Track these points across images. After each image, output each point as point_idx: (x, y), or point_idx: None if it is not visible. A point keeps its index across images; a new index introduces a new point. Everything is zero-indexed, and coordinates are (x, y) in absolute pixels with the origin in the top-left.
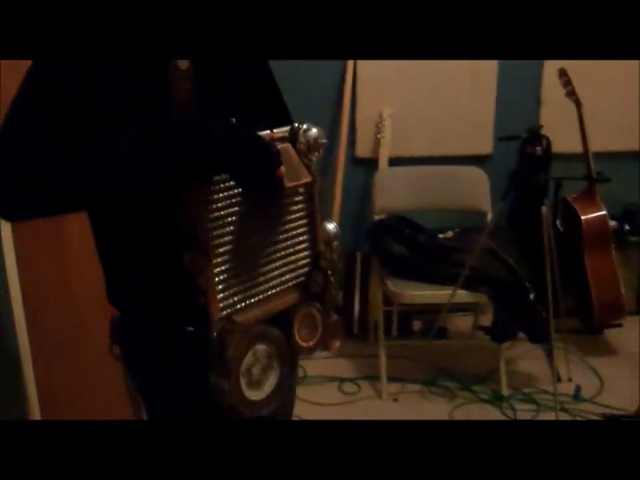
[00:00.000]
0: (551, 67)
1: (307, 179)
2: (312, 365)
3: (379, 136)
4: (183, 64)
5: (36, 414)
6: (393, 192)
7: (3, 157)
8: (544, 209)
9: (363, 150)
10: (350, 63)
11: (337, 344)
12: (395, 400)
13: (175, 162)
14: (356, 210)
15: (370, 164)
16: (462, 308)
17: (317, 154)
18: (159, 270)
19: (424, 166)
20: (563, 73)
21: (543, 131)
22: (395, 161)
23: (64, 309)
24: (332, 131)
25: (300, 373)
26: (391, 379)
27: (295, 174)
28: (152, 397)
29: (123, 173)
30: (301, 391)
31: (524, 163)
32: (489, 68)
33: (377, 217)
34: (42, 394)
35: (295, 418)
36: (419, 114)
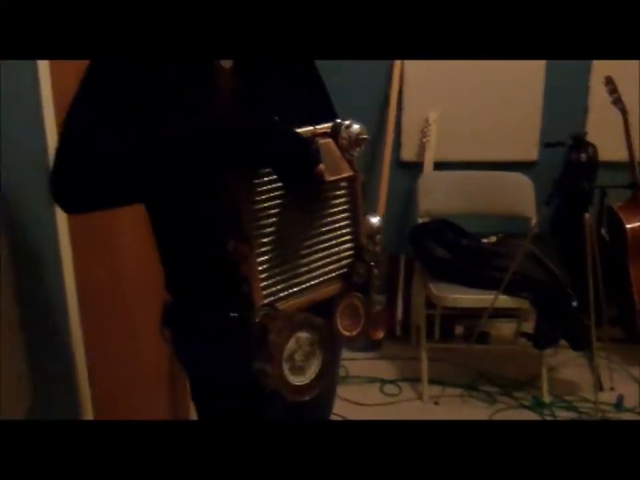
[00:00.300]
0: (597, 74)
1: (347, 173)
2: (354, 366)
3: (424, 140)
4: (226, 63)
5: (89, 413)
6: (437, 195)
7: (69, 151)
8: (587, 216)
9: (408, 153)
10: (397, 66)
11: (380, 334)
12: (436, 403)
13: (211, 156)
14: (400, 213)
15: (415, 167)
16: (505, 314)
17: (358, 149)
18: (208, 258)
19: (468, 171)
20: (609, 81)
21: (589, 139)
22: (440, 165)
23: (114, 302)
24: (378, 134)
25: (342, 372)
26: (432, 381)
27: (335, 168)
28: (198, 379)
29: (170, 163)
30: (342, 391)
31: (568, 169)
32: (535, 74)
33: (420, 220)
34: (94, 392)
35: (336, 417)
36: (465, 119)
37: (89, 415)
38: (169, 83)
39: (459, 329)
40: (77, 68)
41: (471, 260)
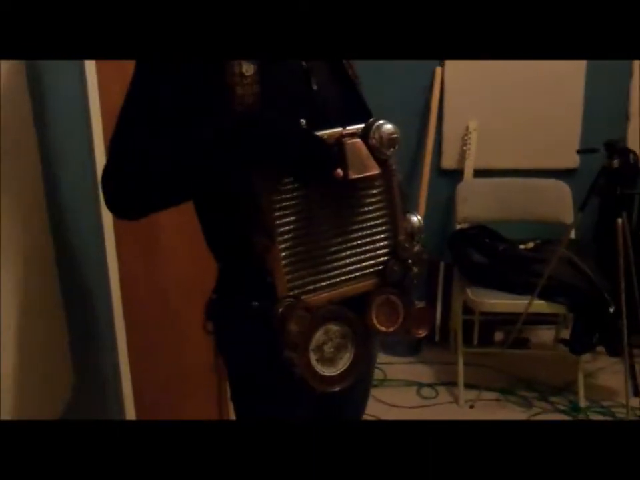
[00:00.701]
0: (638, 80)
1: (374, 171)
2: (392, 369)
3: (464, 148)
4: (249, 69)
5: (131, 413)
6: (476, 202)
7: (124, 158)
8: (619, 221)
9: (449, 161)
10: (438, 75)
11: (423, 332)
12: (472, 406)
13: (231, 158)
14: (441, 220)
15: (456, 175)
16: (544, 320)
17: (392, 149)
18: (240, 253)
19: (506, 178)
20: None
21: (631, 145)
22: (480, 173)
23: (157, 301)
24: (418, 142)
25: (380, 375)
26: (468, 386)
27: (361, 166)
28: (235, 371)
29: (198, 165)
30: (379, 393)
31: (601, 175)
32: (575, 81)
33: (459, 226)
34: (136, 392)
35: (371, 418)
36: (505, 127)
37: (131, 415)
38: (197, 89)
39: (498, 335)
40: (122, 72)
41: (508, 265)
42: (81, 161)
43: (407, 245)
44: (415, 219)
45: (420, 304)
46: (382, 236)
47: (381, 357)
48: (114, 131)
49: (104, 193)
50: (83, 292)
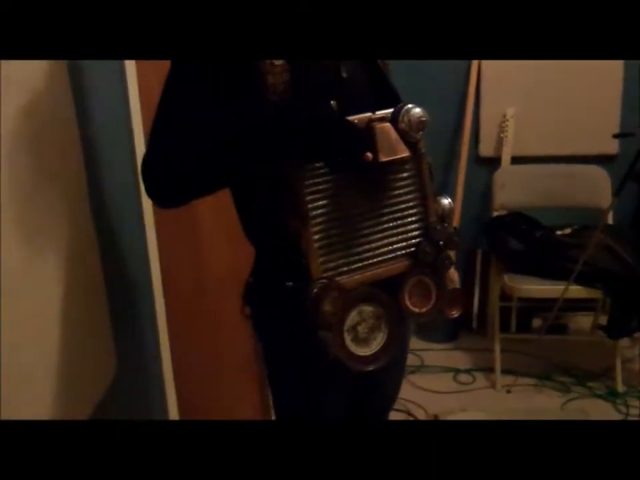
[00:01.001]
0: None
1: (403, 154)
2: (429, 356)
3: (502, 135)
4: (278, 60)
5: (172, 399)
6: (513, 189)
7: (162, 147)
8: None
9: (486, 149)
10: (474, 63)
11: (457, 312)
12: (508, 391)
13: (264, 147)
14: (479, 208)
15: (494, 163)
16: (582, 307)
17: (421, 132)
18: (276, 236)
19: (543, 164)
20: None
21: None
22: (519, 160)
23: (198, 293)
24: (455, 130)
25: (417, 361)
26: (506, 372)
27: (391, 149)
28: (272, 353)
29: (236, 153)
30: (416, 379)
31: (638, 159)
32: (614, 68)
33: (496, 214)
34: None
35: (409, 404)
36: (542, 114)
37: (172, 401)
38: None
39: (536, 322)
40: (160, 71)
41: (545, 251)
42: (122, 159)
43: (438, 227)
44: (446, 201)
45: (453, 284)
46: (413, 218)
47: (418, 344)
48: (153, 121)
49: (144, 181)
50: (126, 282)
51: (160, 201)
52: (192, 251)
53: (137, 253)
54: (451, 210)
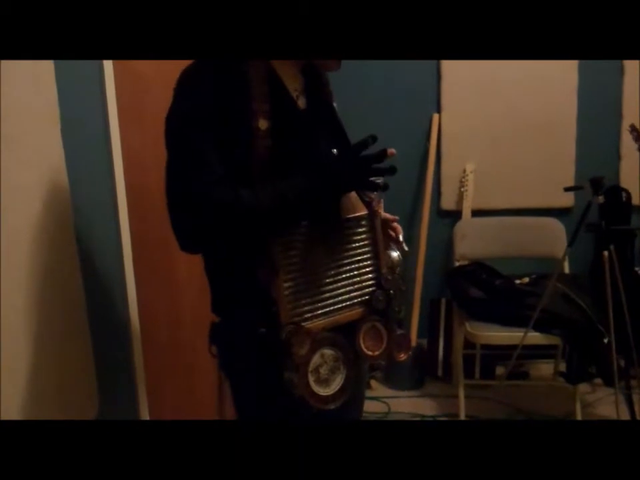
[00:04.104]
0: (628, 121)
1: (362, 211)
2: (396, 403)
3: (462, 189)
4: (263, 124)
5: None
6: (473, 240)
7: (195, 189)
8: (605, 254)
9: (447, 202)
10: (435, 120)
11: (403, 356)
12: None
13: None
14: (441, 259)
15: (455, 216)
16: (543, 354)
17: (375, 193)
18: (244, 284)
19: (502, 217)
20: (633, 128)
21: (623, 184)
22: (479, 213)
23: (172, 324)
24: (418, 185)
25: (384, 408)
26: (470, 417)
27: (352, 207)
28: (238, 388)
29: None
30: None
31: (587, 211)
32: (567, 124)
33: (457, 264)
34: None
35: None
36: (500, 168)
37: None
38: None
39: (500, 369)
40: (137, 80)
41: (505, 299)
42: (103, 192)
43: (389, 277)
44: (395, 254)
45: (400, 330)
46: (368, 269)
47: (386, 391)
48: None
49: (175, 233)
50: (107, 320)
51: (187, 250)
52: (169, 290)
53: (117, 292)
54: (399, 262)
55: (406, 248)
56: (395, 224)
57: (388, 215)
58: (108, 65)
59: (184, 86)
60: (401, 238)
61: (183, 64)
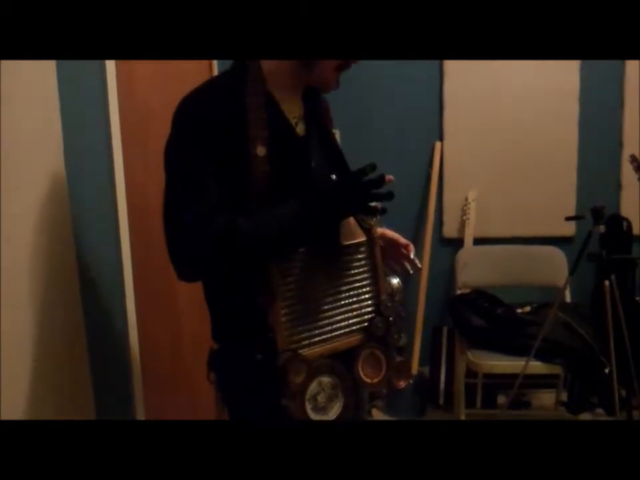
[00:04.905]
0: (628, 151)
1: (361, 238)
2: None
3: (464, 218)
4: (261, 150)
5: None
6: (475, 268)
7: (193, 218)
8: (606, 283)
9: (450, 231)
10: (437, 149)
11: (403, 383)
12: None
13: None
14: (444, 287)
15: (456, 244)
16: (545, 383)
17: (375, 219)
18: (243, 311)
19: (504, 245)
20: (634, 159)
21: (624, 213)
22: (480, 241)
23: (172, 350)
24: (420, 212)
25: None
26: None
27: (351, 234)
28: (237, 414)
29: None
30: None
31: (588, 240)
32: (568, 153)
33: (459, 292)
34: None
35: None
36: (502, 197)
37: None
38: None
39: (501, 398)
40: (141, 106)
41: (506, 328)
42: (106, 227)
43: (388, 304)
44: (395, 280)
45: (400, 358)
46: (367, 296)
47: (387, 419)
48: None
49: (173, 263)
50: (107, 347)
51: (185, 279)
52: (169, 318)
53: (118, 321)
54: (399, 288)
55: (419, 265)
56: (406, 242)
57: (401, 239)
58: (112, 92)
59: (182, 114)
60: (412, 255)
61: (185, 92)
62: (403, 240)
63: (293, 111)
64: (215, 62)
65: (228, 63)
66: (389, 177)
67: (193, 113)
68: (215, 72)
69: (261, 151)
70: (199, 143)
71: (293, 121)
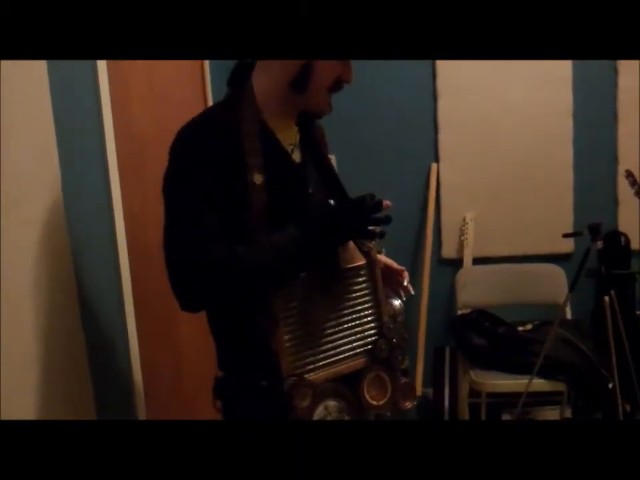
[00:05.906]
0: (624, 166)
1: (360, 261)
2: None
3: (462, 238)
4: (258, 178)
5: None
6: (475, 288)
7: (193, 250)
8: (606, 299)
9: (448, 251)
10: (433, 170)
11: (409, 404)
12: None
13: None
14: (444, 307)
15: (456, 264)
16: (549, 401)
17: (373, 242)
18: (247, 337)
19: (503, 264)
20: (629, 174)
21: (621, 228)
22: (479, 261)
23: (174, 379)
24: (418, 234)
25: None
26: None
27: (350, 258)
28: None
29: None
30: None
31: (586, 256)
32: (564, 171)
33: (460, 312)
34: None
35: None
36: (500, 216)
37: None
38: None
39: (505, 417)
40: (138, 138)
41: (508, 347)
42: (104, 250)
43: (391, 326)
44: (397, 302)
45: (404, 379)
46: (369, 318)
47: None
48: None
49: (174, 292)
50: (110, 376)
51: (186, 308)
52: (171, 345)
53: (120, 345)
54: (401, 310)
55: (412, 291)
56: (400, 268)
57: (394, 265)
58: (108, 122)
59: (179, 146)
60: (405, 282)
61: (181, 118)
62: (396, 266)
63: (288, 138)
64: (209, 88)
65: (223, 86)
66: (387, 202)
67: (189, 145)
68: (209, 92)
69: (258, 179)
70: (196, 175)
71: (289, 148)
